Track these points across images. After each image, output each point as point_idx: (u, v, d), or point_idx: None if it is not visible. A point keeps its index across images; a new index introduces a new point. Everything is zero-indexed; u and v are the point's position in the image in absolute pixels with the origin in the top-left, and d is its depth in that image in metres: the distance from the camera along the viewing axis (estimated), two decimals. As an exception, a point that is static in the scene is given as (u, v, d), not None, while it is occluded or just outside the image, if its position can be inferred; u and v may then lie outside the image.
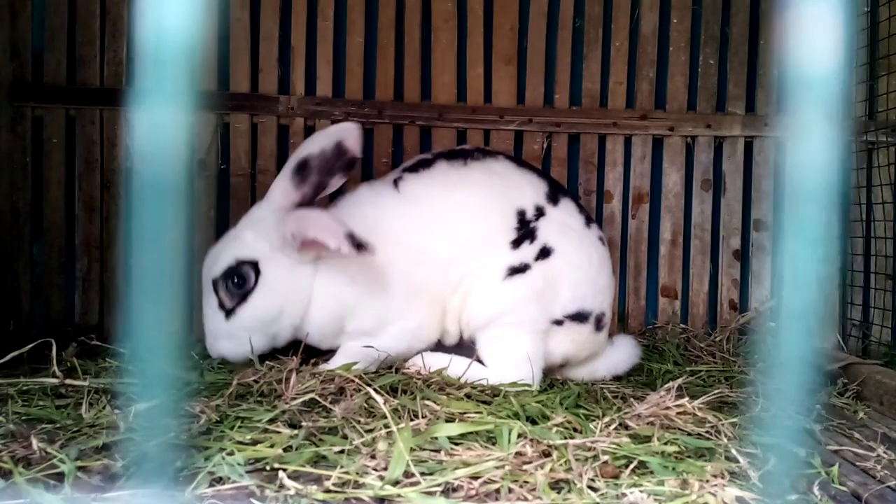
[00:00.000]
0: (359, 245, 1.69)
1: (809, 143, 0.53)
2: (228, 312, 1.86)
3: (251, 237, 1.89)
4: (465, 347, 2.02)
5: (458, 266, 1.97)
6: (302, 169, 1.94)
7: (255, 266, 1.86)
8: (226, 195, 2.62)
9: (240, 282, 1.85)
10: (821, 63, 0.53)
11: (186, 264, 0.51)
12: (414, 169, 2.08)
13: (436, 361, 1.94)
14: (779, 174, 2.73)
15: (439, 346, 2.04)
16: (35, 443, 1.25)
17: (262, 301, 1.86)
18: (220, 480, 1.17)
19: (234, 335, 1.87)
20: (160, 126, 0.48)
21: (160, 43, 0.49)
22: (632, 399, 1.82)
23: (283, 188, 1.95)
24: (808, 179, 0.54)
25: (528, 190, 2.07)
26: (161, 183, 0.48)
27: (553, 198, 2.09)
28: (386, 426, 1.36)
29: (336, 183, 1.99)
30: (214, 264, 1.88)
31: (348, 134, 1.97)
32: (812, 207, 0.54)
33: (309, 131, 2.65)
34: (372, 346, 1.89)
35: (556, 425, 1.48)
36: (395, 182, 2.05)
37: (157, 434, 0.53)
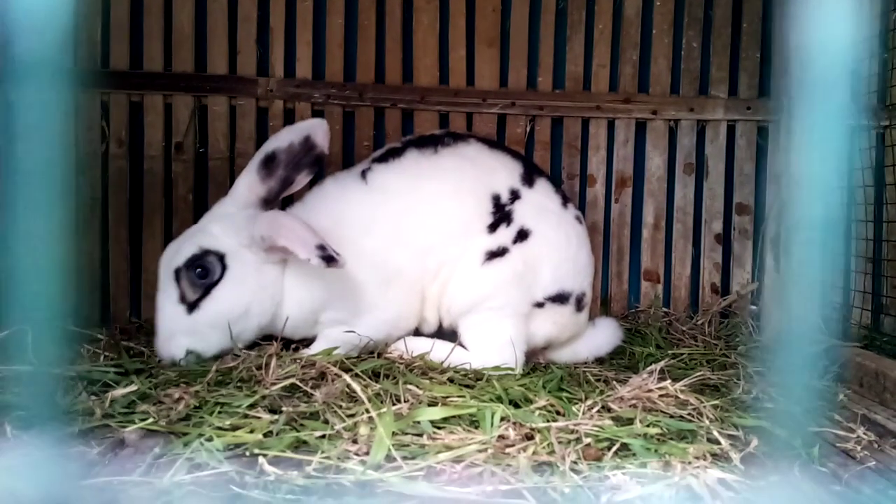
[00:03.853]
0: (329, 258, 1.67)
1: (828, 17, 0.51)
2: (191, 306, 1.78)
3: (219, 231, 1.84)
4: (444, 335, 2.01)
5: (435, 254, 1.96)
6: (269, 163, 1.90)
7: (221, 258, 1.80)
8: (204, 179, 2.58)
9: (203, 272, 1.78)
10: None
11: (68, 153, 0.46)
12: (383, 159, 2.06)
13: (418, 346, 1.94)
14: (761, 157, 2.74)
15: (418, 335, 2.03)
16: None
17: (229, 295, 1.80)
18: (199, 467, 1.15)
19: (195, 332, 1.79)
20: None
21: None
22: (614, 382, 1.81)
23: (248, 182, 1.91)
24: (825, 57, 0.52)
25: (501, 173, 2.06)
26: (40, 61, 0.45)
27: (528, 179, 2.08)
28: (367, 411, 1.35)
29: (302, 180, 1.96)
30: (176, 255, 1.81)
31: (317, 129, 1.94)
32: (830, 84, 0.52)
33: (288, 114, 2.61)
34: (353, 332, 1.87)
35: (539, 408, 1.48)
36: (364, 173, 2.02)
37: (42, 361, 0.48)
